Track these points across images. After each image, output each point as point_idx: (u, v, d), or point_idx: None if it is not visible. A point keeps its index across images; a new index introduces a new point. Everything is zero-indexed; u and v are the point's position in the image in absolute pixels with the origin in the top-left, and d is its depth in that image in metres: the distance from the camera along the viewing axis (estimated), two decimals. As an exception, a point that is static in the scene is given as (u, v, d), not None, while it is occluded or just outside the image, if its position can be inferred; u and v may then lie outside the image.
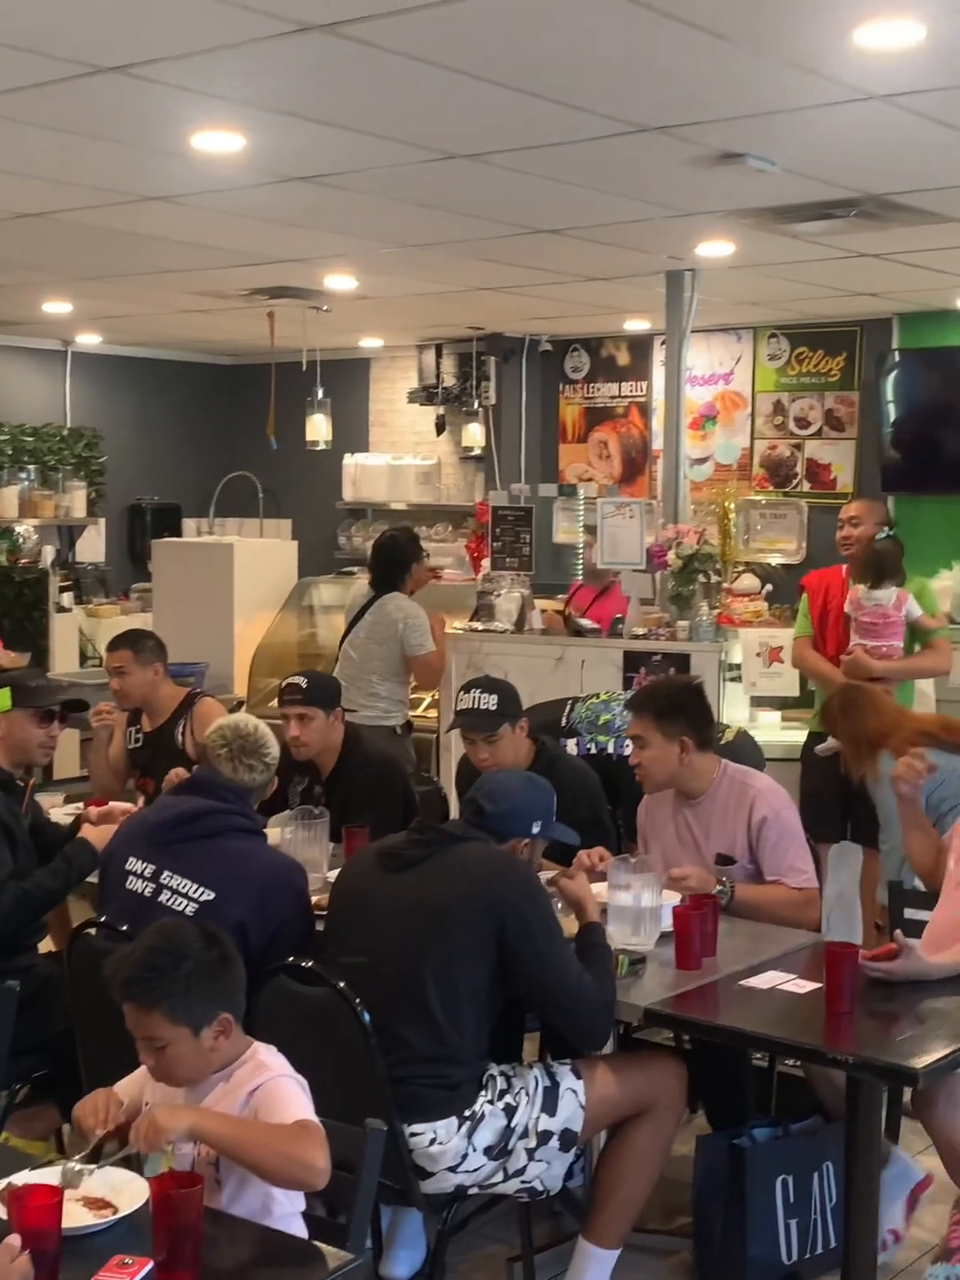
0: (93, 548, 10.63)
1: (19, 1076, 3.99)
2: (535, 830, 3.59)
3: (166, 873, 3.70)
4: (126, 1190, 2.45)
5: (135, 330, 9.89)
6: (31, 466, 10.21)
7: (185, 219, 5.81)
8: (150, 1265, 2.22)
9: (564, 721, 5.54)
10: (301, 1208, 2.62)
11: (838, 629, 5.92)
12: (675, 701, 4.21)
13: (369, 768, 4.98)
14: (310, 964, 3.35)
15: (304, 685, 4.87)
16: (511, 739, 4.52)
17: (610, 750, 5.32)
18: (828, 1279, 3.54)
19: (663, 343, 8.11)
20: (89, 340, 10.39)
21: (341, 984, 3.24)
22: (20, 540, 9.72)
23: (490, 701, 4.51)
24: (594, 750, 5.33)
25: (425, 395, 10.04)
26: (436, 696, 7.39)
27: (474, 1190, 3.39)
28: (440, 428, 10.12)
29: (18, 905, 4.04)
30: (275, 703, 7.58)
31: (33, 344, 10.36)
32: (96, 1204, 2.42)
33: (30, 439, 10.27)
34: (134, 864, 3.78)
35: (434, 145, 4.66)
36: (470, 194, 5.36)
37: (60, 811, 5.07)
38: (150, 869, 3.73)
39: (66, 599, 9.21)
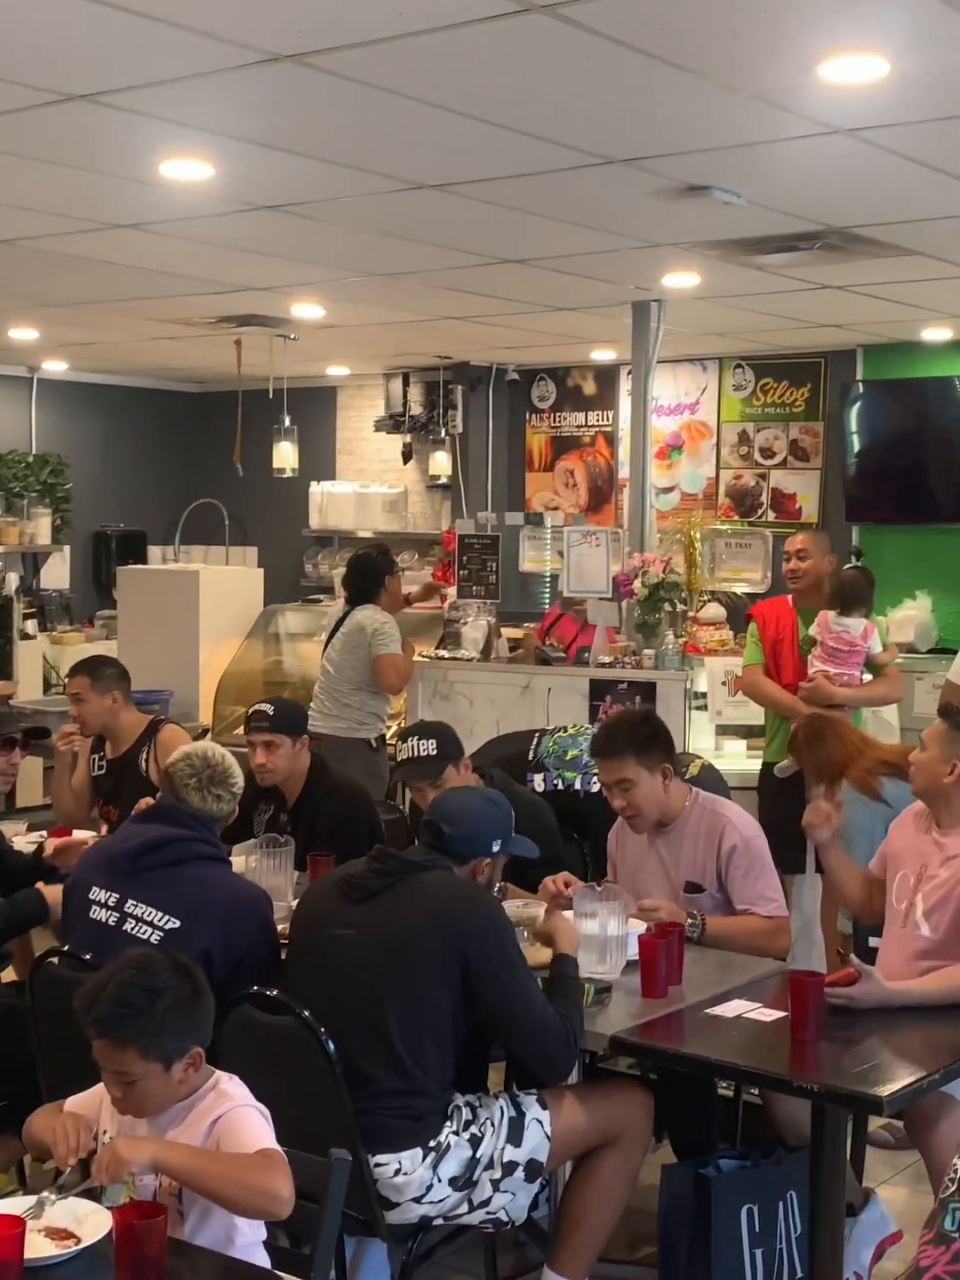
0: (57, 575, 10.58)
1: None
2: (495, 848, 3.58)
3: (131, 901, 3.67)
4: (89, 1221, 2.43)
5: (102, 357, 9.88)
6: (-4, 493, 10.17)
7: (153, 247, 5.81)
8: (112, 1296, 2.20)
9: (531, 755, 5.53)
10: (262, 1237, 2.60)
11: (793, 657, 5.97)
12: (646, 733, 4.20)
13: (335, 795, 4.97)
14: (275, 993, 3.33)
15: (271, 713, 4.86)
16: (457, 779, 4.47)
17: (577, 787, 5.31)
18: (793, 1309, 3.53)
19: (629, 372, 8.15)
20: (55, 366, 10.37)
21: (306, 1013, 3.23)
22: (-17, 567, 9.67)
23: (429, 747, 4.46)
24: (560, 786, 5.32)
25: (392, 423, 10.05)
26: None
27: (439, 1221, 3.37)
28: (407, 456, 10.14)
29: None
30: (241, 731, 7.62)
31: (-1, 370, 10.35)
32: (59, 1234, 2.40)
33: (-5, 465, 10.23)
34: (97, 893, 3.75)
35: (402, 175, 4.68)
36: (438, 224, 5.39)
37: (23, 840, 5.04)
38: (114, 898, 3.70)
39: (30, 626, 9.18)
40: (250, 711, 4.96)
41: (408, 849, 3.57)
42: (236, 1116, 2.58)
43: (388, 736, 6.64)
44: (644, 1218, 3.86)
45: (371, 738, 6.56)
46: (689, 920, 3.96)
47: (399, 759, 4.56)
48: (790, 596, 6.11)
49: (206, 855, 3.79)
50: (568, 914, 3.72)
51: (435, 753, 4.45)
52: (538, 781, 5.37)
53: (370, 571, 6.73)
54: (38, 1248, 2.34)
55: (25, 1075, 3.74)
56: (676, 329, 7.43)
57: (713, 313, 7.40)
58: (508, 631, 7.41)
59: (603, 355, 9.21)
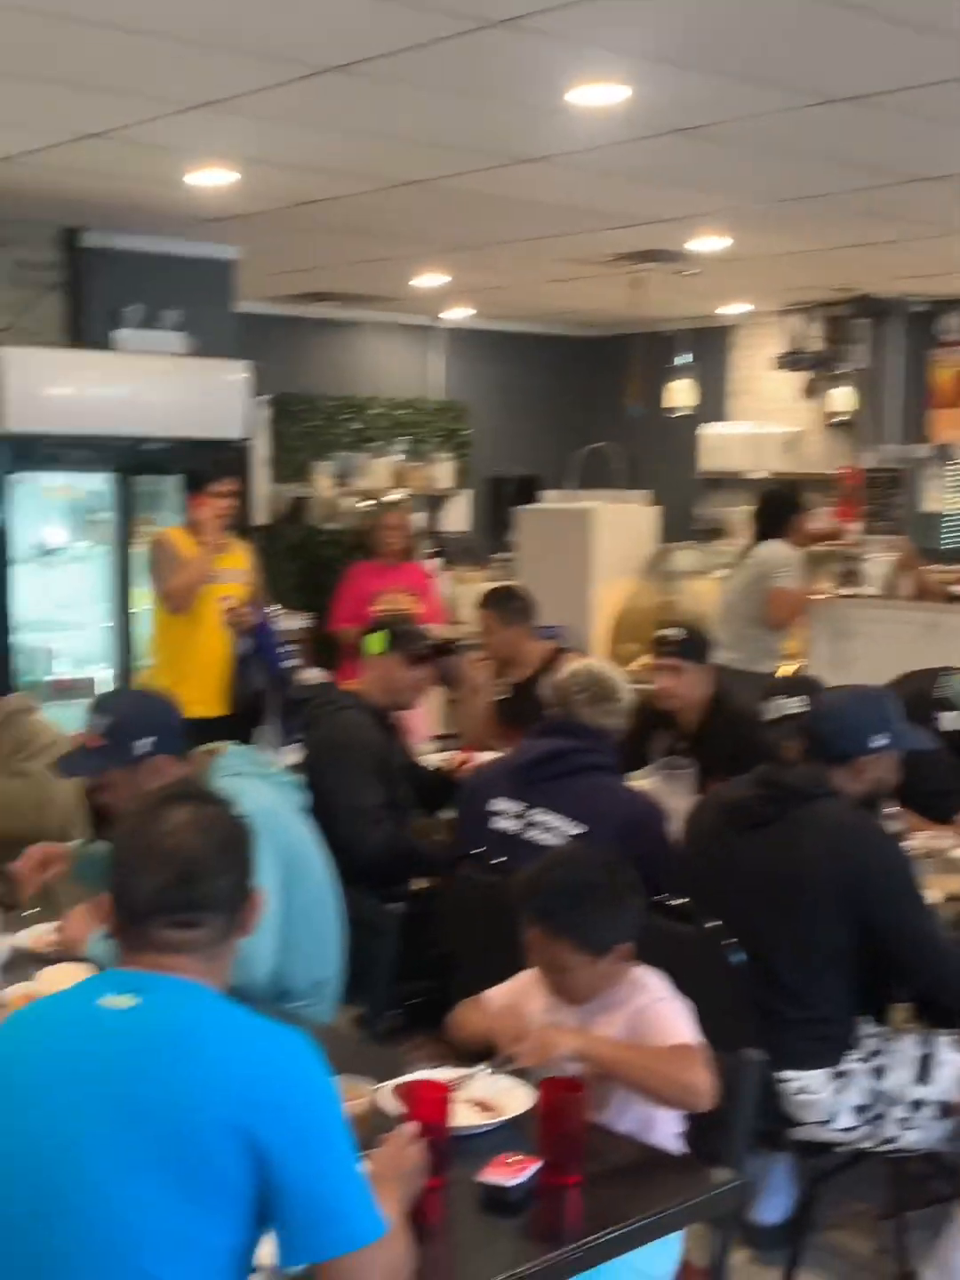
0: (458, 517, 10.91)
1: (398, 1001, 4.14)
2: (876, 743, 3.45)
3: (535, 809, 3.78)
4: (511, 1095, 2.52)
5: (502, 303, 10.07)
6: (402, 439, 10.57)
7: (559, 181, 5.88)
8: (536, 1165, 2.27)
9: (934, 693, 5.34)
10: (680, 1130, 2.63)
11: None
12: None
13: (738, 725, 4.93)
14: (684, 901, 3.35)
15: (678, 637, 4.88)
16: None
17: None
18: None
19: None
20: (457, 315, 10.65)
21: (718, 923, 3.23)
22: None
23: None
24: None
25: (791, 361, 9.85)
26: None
27: (842, 1148, 3.33)
28: (808, 394, 9.91)
29: (390, 843, 4.19)
30: (634, 667, 7.67)
31: (406, 320, 10.70)
32: (483, 1107, 2.50)
33: (401, 412, 10.63)
34: (499, 804, 3.88)
35: (816, 88, 4.56)
36: (849, 141, 5.23)
37: (436, 758, 5.26)
38: (517, 807, 3.82)
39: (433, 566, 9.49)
40: (657, 635, 4.98)
41: (792, 770, 3.48)
42: (660, 1009, 2.62)
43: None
44: None
45: (769, 671, 6.49)
46: None
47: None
48: None
49: (602, 765, 3.86)
50: None
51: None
52: (946, 719, 5.18)
53: (779, 507, 6.70)
54: (464, 1118, 2.44)
55: (435, 975, 3.91)
56: None
57: None
58: (937, 572, 7.16)
59: (1017, 283, 8.74)
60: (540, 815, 3.77)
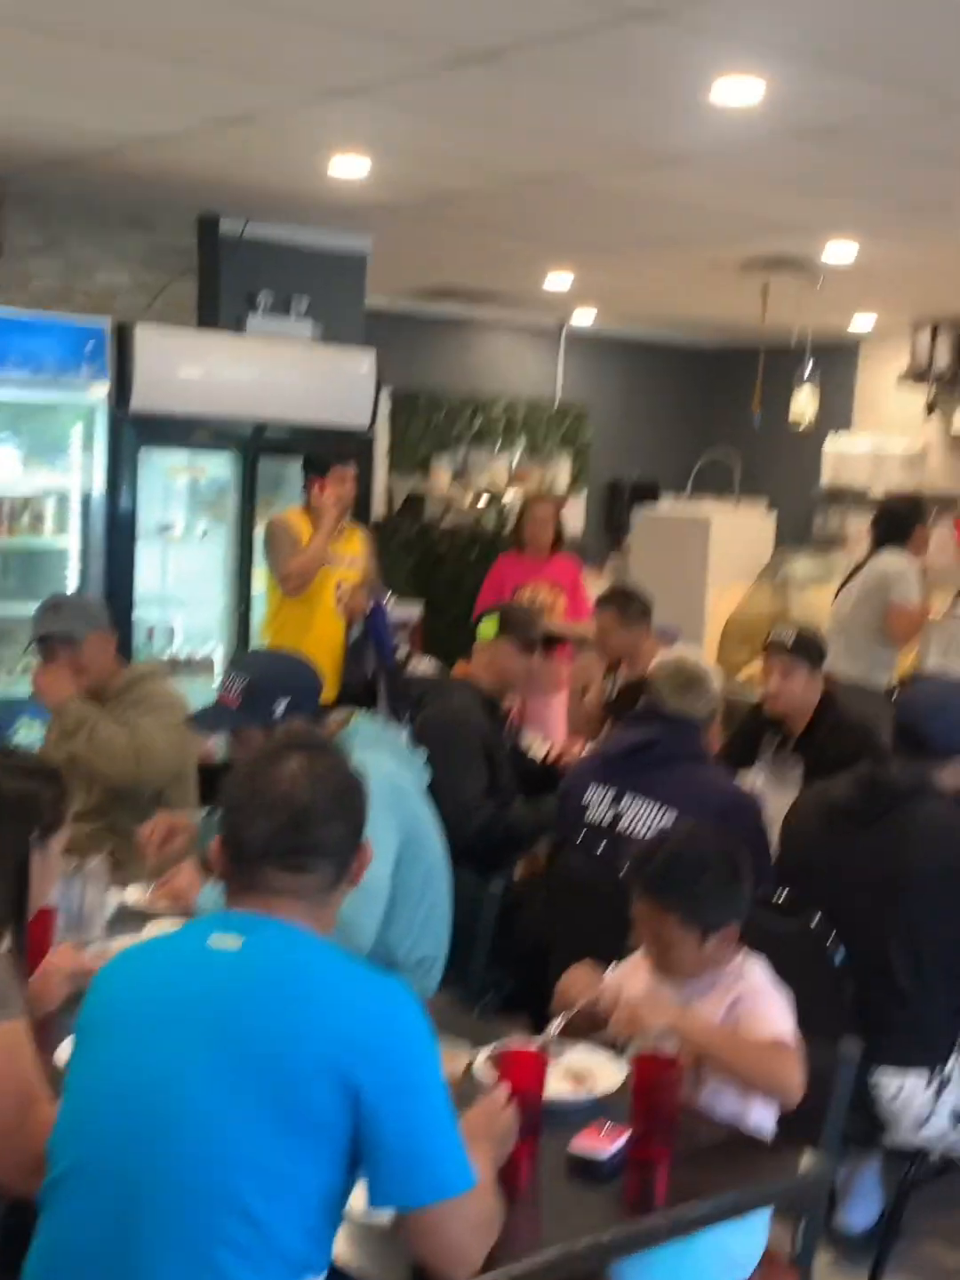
0: (573, 520, 10.92)
1: (491, 987, 4.16)
2: None
3: (627, 796, 3.79)
4: (604, 1070, 2.53)
5: (629, 306, 10.07)
6: (522, 439, 10.61)
7: (693, 182, 5.87)
8: (627, 1136, 2.28)
9: None
10: (775, 1116, 2.62)
11: None
12: None
13: (842, 730, 4.90)
14: (784, 895, 3.34)
15: (790, 640, 4.86)
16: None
17: None
18: None
19: None
20: (583, 318, 10.67)
21: (818, 917, 3.22)
22: (507, 509, 10.10)
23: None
24: None
25: (916, 376, 9.73)
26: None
27: (936, 1155, 3.29)
28: (931, 410, 9.79)
29: (490, 824, 4.22)
30: (745, 675, 7.63)
31: (531, 322, 10.74)
32: (577, 1079, 2.51)
33: (523, 412, 10.67)
34: (593, 793, 3.90)
35: (951, 93, 4.51)
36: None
37: (538, 747, 5.29)
38: (610, 794, 3.84)
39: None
40: (772, 637, 4.97)
41: (895, 769, 3.45)
42: (760, 1000, 2.61)
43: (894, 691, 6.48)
44: None
45: (883, 684, 6.41)
46: None
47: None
48: None
49: (693, 754, 3.87)
50: None
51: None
52: None
53: (900, 518, 6.58)
54: (557, 1088, 2.46)
55: (533, 962, 3.93)
56: None
57: None
58: None
59: None
60: (632, 803, 3.78)
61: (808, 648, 4.89)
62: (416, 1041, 1.91)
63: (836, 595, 6.75)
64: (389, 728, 3.65)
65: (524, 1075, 2.31)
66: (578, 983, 2.72)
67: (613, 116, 5.01)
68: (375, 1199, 1.89)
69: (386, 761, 3.24)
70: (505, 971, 4.12)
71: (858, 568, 6.63)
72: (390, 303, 9.56)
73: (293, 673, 3.38)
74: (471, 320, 10.53)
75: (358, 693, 5.99)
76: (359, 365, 6.97)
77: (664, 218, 6.66)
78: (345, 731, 3.32)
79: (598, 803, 3.89)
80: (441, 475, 10.24)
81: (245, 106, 5.16)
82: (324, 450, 6.21)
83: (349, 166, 5.93)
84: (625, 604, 5.65)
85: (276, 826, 2.01)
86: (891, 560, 6.45)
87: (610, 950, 2.92)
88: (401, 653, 6.81)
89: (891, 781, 3.37)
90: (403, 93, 4.81)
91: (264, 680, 3.27)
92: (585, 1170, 2.25)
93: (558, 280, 8.85)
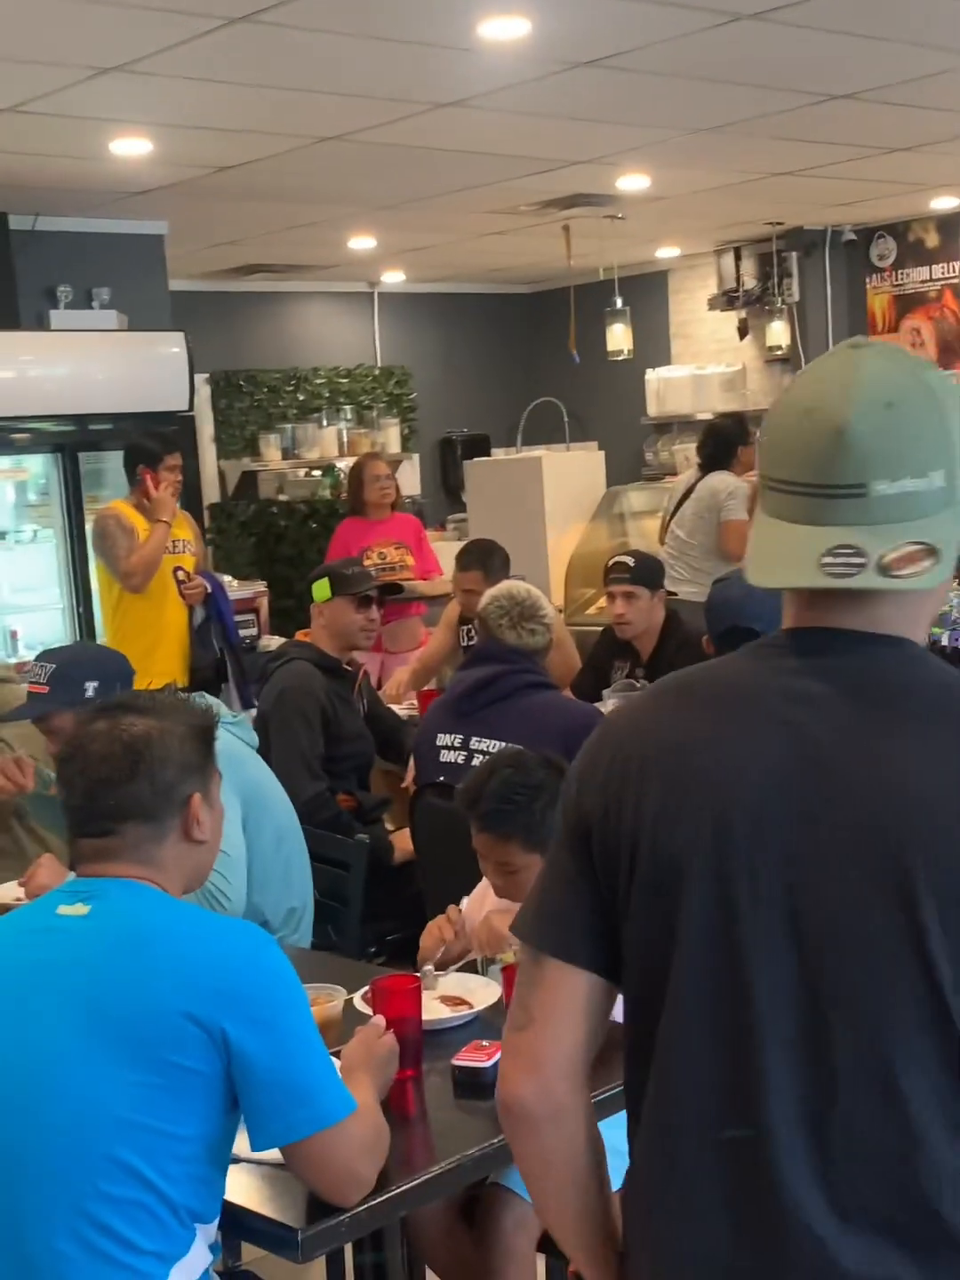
0: (408, 482, 10.93)
1: (375, 940, 4.19)
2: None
3: (474, 738, 3.83)
4: (480, 992, 2.57)
5: (437, 263, 10.09)
6: (348, 407, 10.59)
7: (476, 126, 5.89)
8: (506, 1048, 2.32)
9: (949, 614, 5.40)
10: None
11: None
12: None
13: (692, 648, 4.99)
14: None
15: (631, 564, 4.94)
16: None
17: (943, 642, 5.16)
18: None
19: (973, 216, 7.79)
20: (394, 279, 10.66)
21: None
22: (340, 476, 10.08)
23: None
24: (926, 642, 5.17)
25: (725, 300, 9.91)
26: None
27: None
28: (743, 332, 9.97)
29: (318, 801, 4.20)
30: (592, 611, 7.72)
31: (342, 287, 10.71)
32: (454, 1001, 2.55)
33: (345, 381, 10.65)
34: (444, 738, 3.93)
35: (719, 7, 4.60)
36: (759, 61, 5.26)
37: (402, 708, 5.31)
38: (459, 738, 3.87)
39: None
40: (610, 563, 5.04)
41: None
42: None
43: None
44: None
45: None
46: None
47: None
48: None
49: (533, 683, 3.90)
50: None
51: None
52: (944, 639, 5.24)
53: (725, 438, 6.72)
54: (434, 1011, 2.50)
55: (415, 911, 3.95)
56: (1022, 159, 7.05)
57: None
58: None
59: (944, 203, 8.81)
60: (481, 743, 3.81)
61: (648, 571, 4.97)
62: (272, 977, 1.92)
63: (670, 520, 6.87)
64: (204, 697, 3.67)
65: (400, 1003, 2.34)
66: (436, 931, 2.74)
67: (386, 66, 5.02)
68: (258, 1141, 1.90)
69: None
70: (390, 923, 4.15)
71: (689, 491, 6.75)
72: (197, 285, 9.46)
73: (98, 657, 3.50)
74: (282, 294, 10.46)
75: (208, 676, 5.96)
76: (169, 348, 6.90)
77: (452, 167, 6.68)
78: None
79: (449, 747, 3.92)
80: (272, 452, 10.19)
81: (14, 96, 5.07)
82: (149, 439, 6.10)
83: (130, 147, 5.86)
84: (487, 558, 5.63)
85: (81, 797, 2.04)
86: (721, 480, 6.60)
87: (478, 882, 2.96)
88: (250, 632, 6.78)
89: None
90: (171, 64, 4.76)
91: (71, 665, 3.34)
92: (470, 1084, 2.29)
93: (361, 244, 8.83)
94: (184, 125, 5.64)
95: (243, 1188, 2.03)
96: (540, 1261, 2.54)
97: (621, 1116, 2.38)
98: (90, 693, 3.24)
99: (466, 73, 5.12)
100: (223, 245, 8.56)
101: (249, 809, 3.26)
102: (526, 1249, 2.45)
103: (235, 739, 3.38)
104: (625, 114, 5.96)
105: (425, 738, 4.04)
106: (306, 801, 4.11)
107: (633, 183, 7.33)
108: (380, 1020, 2.27)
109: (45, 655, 3.45)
